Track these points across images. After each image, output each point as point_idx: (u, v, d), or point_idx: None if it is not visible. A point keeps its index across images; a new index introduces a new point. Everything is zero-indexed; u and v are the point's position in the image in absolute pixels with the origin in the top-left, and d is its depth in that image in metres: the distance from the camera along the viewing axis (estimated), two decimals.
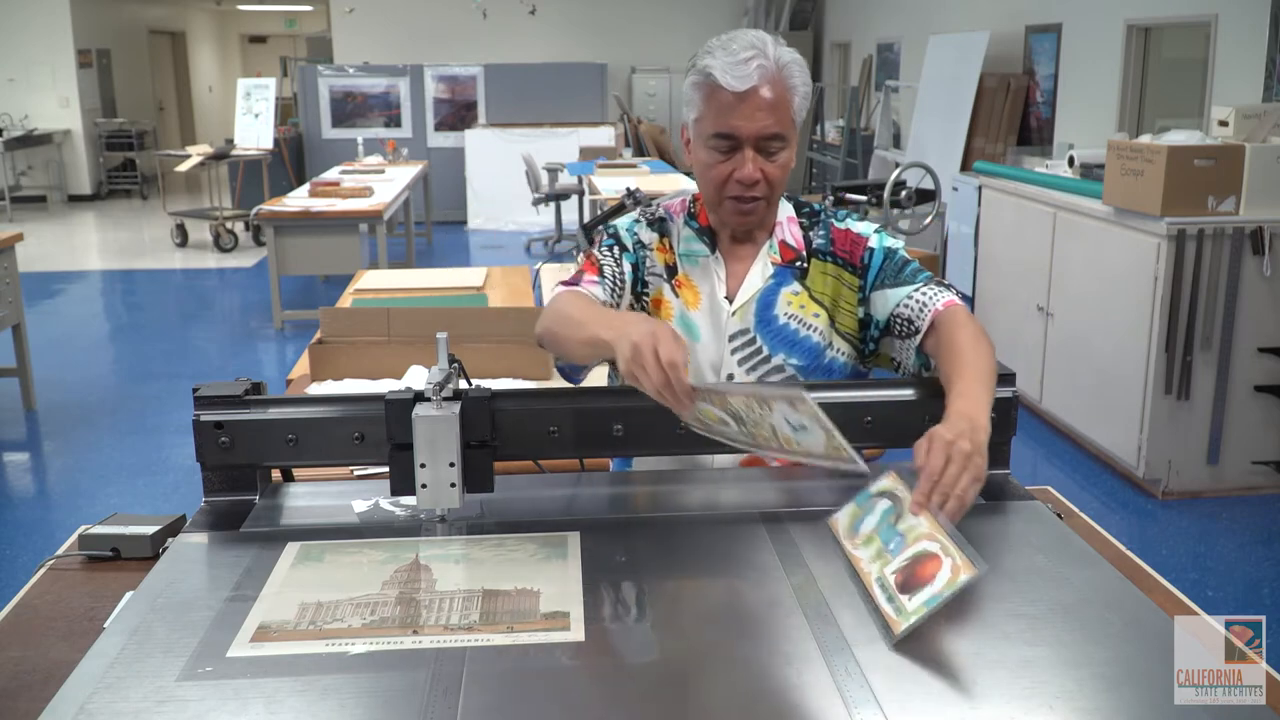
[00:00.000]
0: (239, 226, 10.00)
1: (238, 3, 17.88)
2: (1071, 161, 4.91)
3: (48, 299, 7.90)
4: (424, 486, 1.39)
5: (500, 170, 10.62)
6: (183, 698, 1.03)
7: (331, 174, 8.56)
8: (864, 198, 6.05)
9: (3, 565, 3.67)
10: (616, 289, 1.68)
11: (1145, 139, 4.28)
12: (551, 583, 1.26)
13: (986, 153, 7.56)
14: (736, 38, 1.59)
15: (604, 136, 10.91)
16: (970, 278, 6.22)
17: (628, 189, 3.81)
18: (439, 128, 11.61)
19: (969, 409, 1.37)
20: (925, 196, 5.97)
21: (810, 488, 1.59)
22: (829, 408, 1.52)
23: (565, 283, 1.68)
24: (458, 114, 11.63)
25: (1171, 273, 3.88)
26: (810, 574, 1.27)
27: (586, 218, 7.65)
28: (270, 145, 10.25)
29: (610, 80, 12.27)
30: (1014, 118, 7.55)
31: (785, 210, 1.75)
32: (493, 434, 1.44)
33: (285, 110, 13.55)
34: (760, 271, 1.71)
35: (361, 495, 1.54)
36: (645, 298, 1.74)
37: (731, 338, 1.70)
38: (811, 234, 1.74)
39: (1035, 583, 1.26)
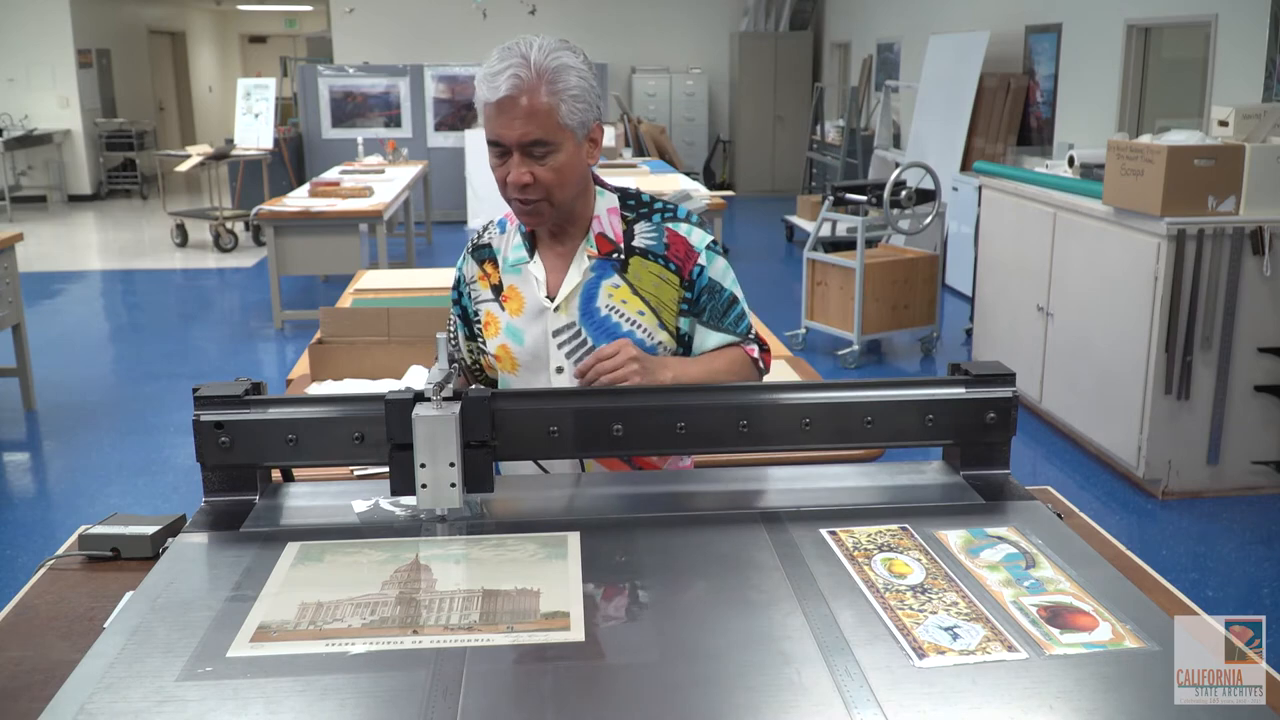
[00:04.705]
0: (239, 226, 10.00)
1: (238, 3, 17.87)
2: (1071, 161, 4.91)
3: (48, 299, 7.90)
4: (424, 486, 1.39)
5: None
6: (183, 698, 1.03)
7: (331, 174, 8.55)
8: (864, 198, 6.05)
9: (3, 565, 3.67)
10: (457, 346, 1.87)
11: (1145, 139, 4.28)
12: (551, 583, 1.26)
13: (986, 153, 7.56)
14: (510, 47, 1.61)
15: (604, 136, 10.90)
16: (970, 278, 6.22)
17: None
18: (439, 128, 11.61)
19: (667, 360, 1.69)
20: (925, 196, 5.96)
21: (810, 488, 1.59)
22: (828, 408, 1.53)
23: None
24: (458, 114, 11.62)
25: (1171, 273, 3.88)
26: (810, 574, 1.27)
27: None
28: (270, 145, 10.25)
29: (610, 80, 12.27)
30: (1014, 118, 7.55)
31: (606, 201, 1.75)
32: (493, 434, 1.44)
33: (285, 110, 13.54)
34: (579, 266, 1.72)
35: (361, 495, 1.54)
36: (477, 324, 1.81)
37: (556, 332, 1.72)
38: (637, 227, 1.74)
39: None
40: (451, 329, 1.88)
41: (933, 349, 6.16)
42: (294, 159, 11.21)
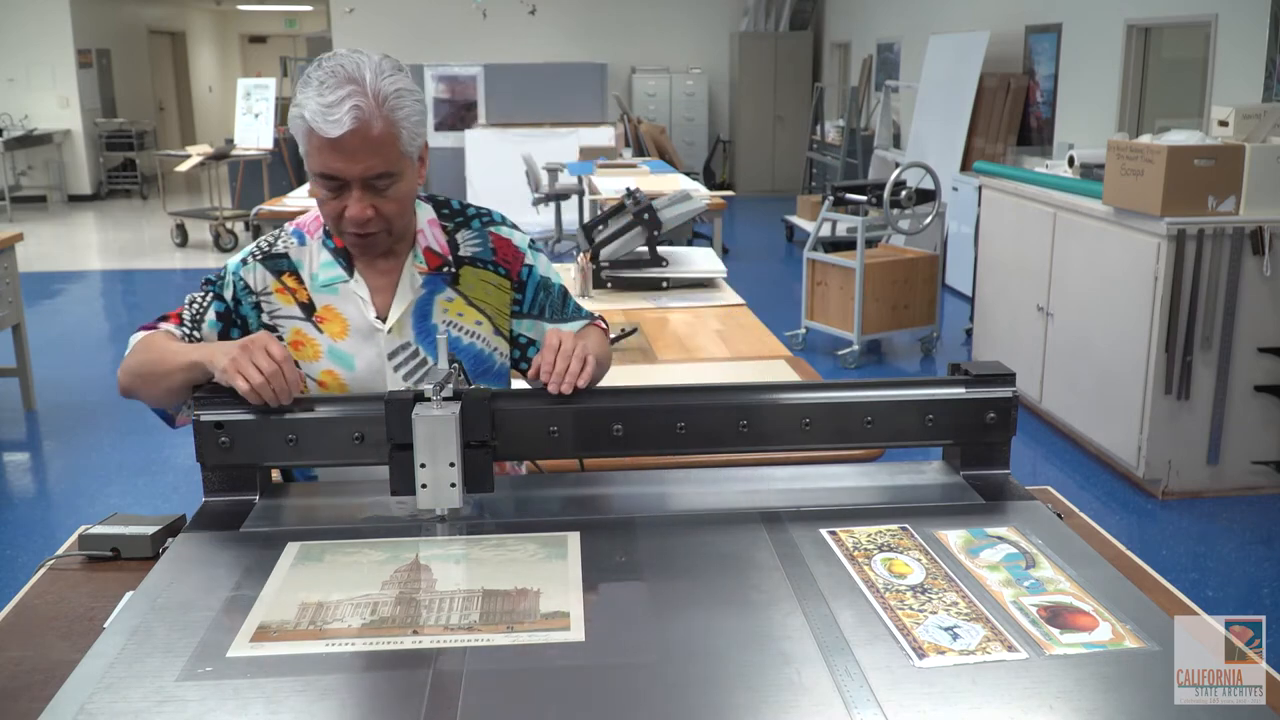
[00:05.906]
0: (239, 226, 10.00)
1: (238, 3, 17.87)
2: (1071, 161, 4.91)
3: (48, 299, 7.90)
4: (424, 486, 1.39)
5: (500, 170, 10.61)
6: (183, 698, 1.03)
7: None
8: (864, 198, 6.04)
9: (3, 565, 3.67)
10: (195, 334, 1.64)
11: (1145, 139, 4.28)
12: (551, 583, 1.26)
13: (986, 153, 7.56)
14: (335, 70, 1.47)
15: (604, 136, 10.90)
16: (970, 278, 6.22)
17: (628, 189, 3.82)
18: (439, 128, 11.60)
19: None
20: (925, 196, 5.96)
21: (810, 488, 1.59)
22: (828, 408, 1.53)
23: (144, 327, 1.66)
24: (458, 114, 11.62)
25: (1171, 273, 3.88)
26: (810, 574, 1.27)
27: (586, 218, 7.64)
28: (270, 145, 10.25)
29: (610, 80, 12.27)
30: (1014, 118, 7.55)
31: (425, 213, 1.70)
32: (493, 434, 1.44)
33: (285, 110, 13.54)
34: (409, 283, 1.66)
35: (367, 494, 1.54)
36: (279, 338, 1.66)
37: (392, 355, 1.66)
38: (459, 236, 1.71)
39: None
40: (198, 310, 1.66)
41: (933, 349, 6.16)
42: (294, 159, 11.20)
